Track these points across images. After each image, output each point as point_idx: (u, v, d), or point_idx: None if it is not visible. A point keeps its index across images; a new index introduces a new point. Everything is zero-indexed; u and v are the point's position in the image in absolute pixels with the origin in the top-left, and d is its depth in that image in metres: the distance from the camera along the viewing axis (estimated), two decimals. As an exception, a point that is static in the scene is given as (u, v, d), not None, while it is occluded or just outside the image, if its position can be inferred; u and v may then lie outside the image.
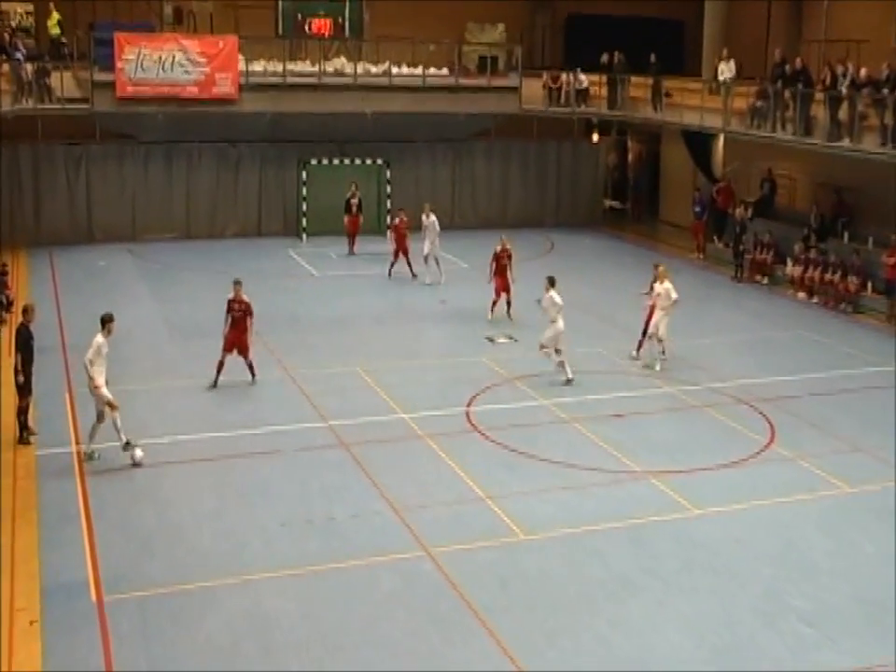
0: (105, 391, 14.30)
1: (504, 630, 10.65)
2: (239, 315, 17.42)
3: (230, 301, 17.58)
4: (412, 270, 25.17)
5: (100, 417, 14.44)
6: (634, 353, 19.74)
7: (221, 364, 17.40)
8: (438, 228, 24.80)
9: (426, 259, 24.64)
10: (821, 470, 14.80)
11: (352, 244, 28.27)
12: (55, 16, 27.93)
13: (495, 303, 21.88)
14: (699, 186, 31.11)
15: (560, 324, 18.10)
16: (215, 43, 28.22)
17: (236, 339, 17.42)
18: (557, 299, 18.20)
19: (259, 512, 13.15)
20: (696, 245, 29.80)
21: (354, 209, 28.22)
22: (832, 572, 12.04)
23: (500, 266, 21.70)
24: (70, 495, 13.53)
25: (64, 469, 14.32)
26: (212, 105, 28.26)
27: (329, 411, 16.59)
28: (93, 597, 11.11)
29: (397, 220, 25.47)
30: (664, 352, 18.99)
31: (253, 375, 17.65)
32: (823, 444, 15.82)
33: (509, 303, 21.88)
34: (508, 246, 21.91)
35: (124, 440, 14.38)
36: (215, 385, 17.42)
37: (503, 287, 21.75)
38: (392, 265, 25.38)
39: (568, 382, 17.99)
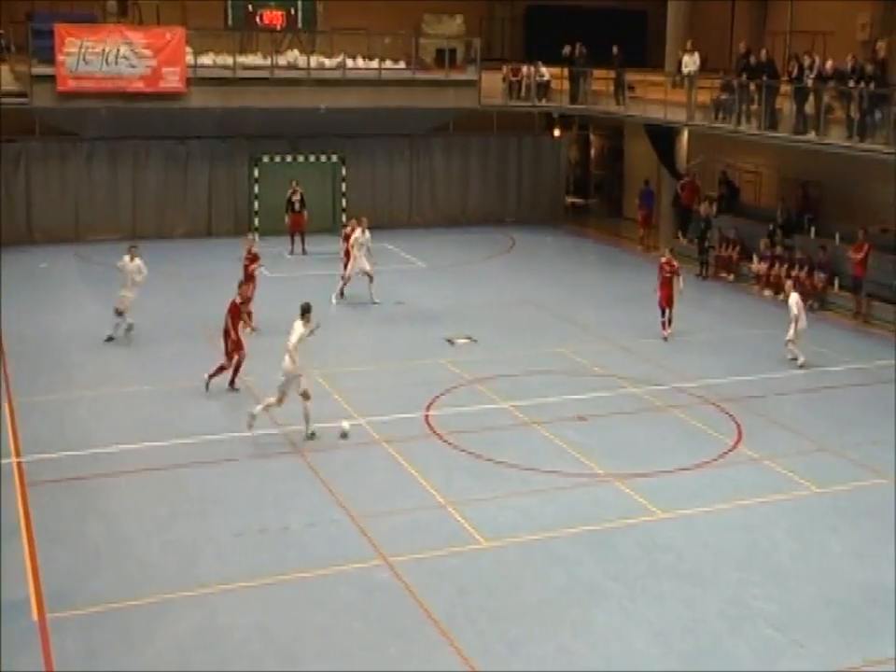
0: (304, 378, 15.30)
1: (465, 640, 10.45)
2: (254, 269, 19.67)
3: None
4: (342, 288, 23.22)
5: (306, 395, 15.21)
6: (663, 333, 20.72)
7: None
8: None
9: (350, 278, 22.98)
10: (788, 471, 14.68)
11: (300, 241, 27.84)
12: None
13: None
14: (647, 179, 31.34)
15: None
16: (161, 35, 27.48)
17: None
18: (142, 267, 19.54)
19: (211, 523, 12.84)
20: (640, 237, 30.26)
21: (297, 206, 27.80)
22: (799, 574, 11.94)
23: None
24: (9, 507, 13.08)
25: (4, 480, 13.82)
26: (159, 100, 27.59)
27: (283, 417, 16.14)
28: (35, 616, 10.73)
29: (348, 228, 23.70)
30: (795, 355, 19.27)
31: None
32: (790, 445, 15.71)
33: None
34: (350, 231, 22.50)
35: (310, 430, 15.27)
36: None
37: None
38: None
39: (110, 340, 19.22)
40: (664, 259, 21.05)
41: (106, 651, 10.17)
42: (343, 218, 30.00)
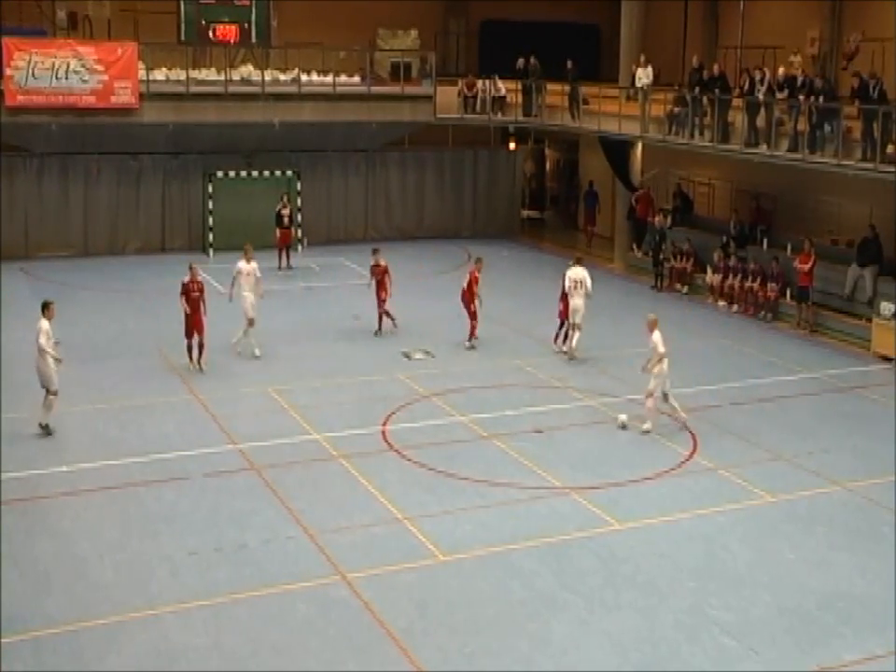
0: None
1: (424, 655, 10.41)
2: (196, 296, 18.84)
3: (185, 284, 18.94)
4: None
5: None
6: (554, 345, 20.62)
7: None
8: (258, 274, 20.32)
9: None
10: (743, 480, 14.79)
11: (286, 257, 27.81)
12: None
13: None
14: (591, 180, 32.51)
15: None
16: (113, 49, 27.29)
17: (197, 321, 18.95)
18: None
19: (166, 542, 12.69)
20: (584, 234, 32.56)
21: (286, 221, 27.82)
22: (754, 583, 12.02)
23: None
24: (-42, 529, 12.86)
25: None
26: (111, 115, 27.38)
27: (240, 433, 16.15)
28: (-15, 640, 10.53)
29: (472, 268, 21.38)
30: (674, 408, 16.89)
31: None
32: (745, 454, 15.84)
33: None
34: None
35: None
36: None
37: None
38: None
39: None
40: (472, 268, 21.11)
41: (59, 674, 10.00)
42: (300, 233, 30.00)
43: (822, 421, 17.38)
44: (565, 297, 20.54)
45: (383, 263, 21.58)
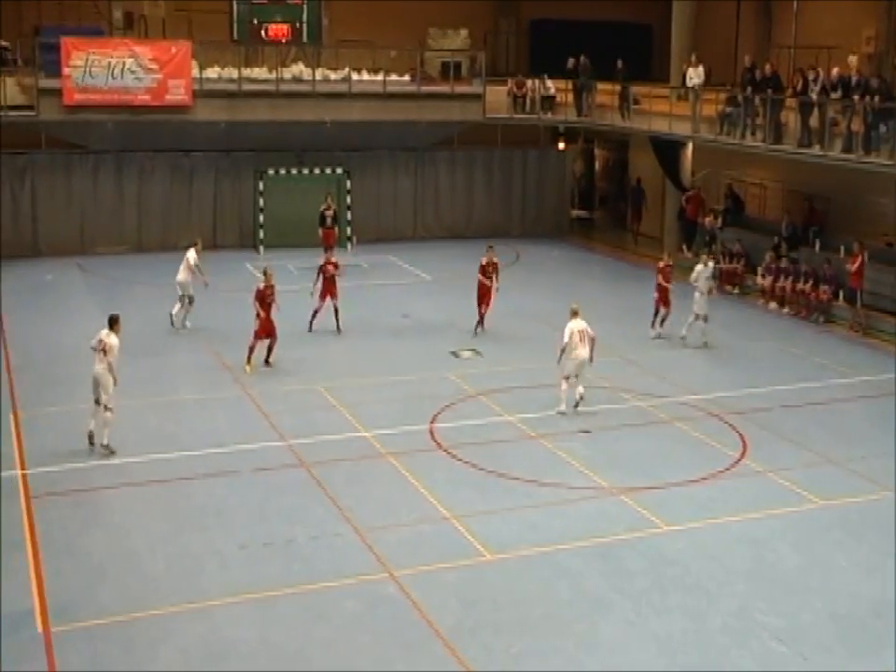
0: None
1: (471, 654, 10.41)
2: (271, 301, 18.99)
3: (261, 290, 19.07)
4: (654, 324, 21.83)
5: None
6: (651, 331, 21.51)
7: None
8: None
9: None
10: (793, 484, 14.64)
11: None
12: None
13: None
14: (639, 177, 32.73)
15: None
16: (167, 49, 27.66)
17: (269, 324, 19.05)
18: None
19: (216, 536, 12.82)
20: (632, 231, 32.93)
21: (329, 221, 27.94)
22: (804, 588, 11.90)
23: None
24: (15, 520, 13.06)
25: (9, 493, 13.79)
26: (165, 114, 27.75)
27: (289, 430, 16.26)
28: (40, 628, 10.72)
29: (661, 263, 21.87)
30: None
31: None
32: (795, 458, 15.67)
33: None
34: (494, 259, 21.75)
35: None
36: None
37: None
38: (661, 321, 21.97)
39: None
40: (484, 261, 21.53)
41: (111, 664, 10.15)
42: (349, 231, 30.14)
43: (875, 425, 17.12)
44: (659, 287, 21.46)
45: (334, 260, 21.71)
